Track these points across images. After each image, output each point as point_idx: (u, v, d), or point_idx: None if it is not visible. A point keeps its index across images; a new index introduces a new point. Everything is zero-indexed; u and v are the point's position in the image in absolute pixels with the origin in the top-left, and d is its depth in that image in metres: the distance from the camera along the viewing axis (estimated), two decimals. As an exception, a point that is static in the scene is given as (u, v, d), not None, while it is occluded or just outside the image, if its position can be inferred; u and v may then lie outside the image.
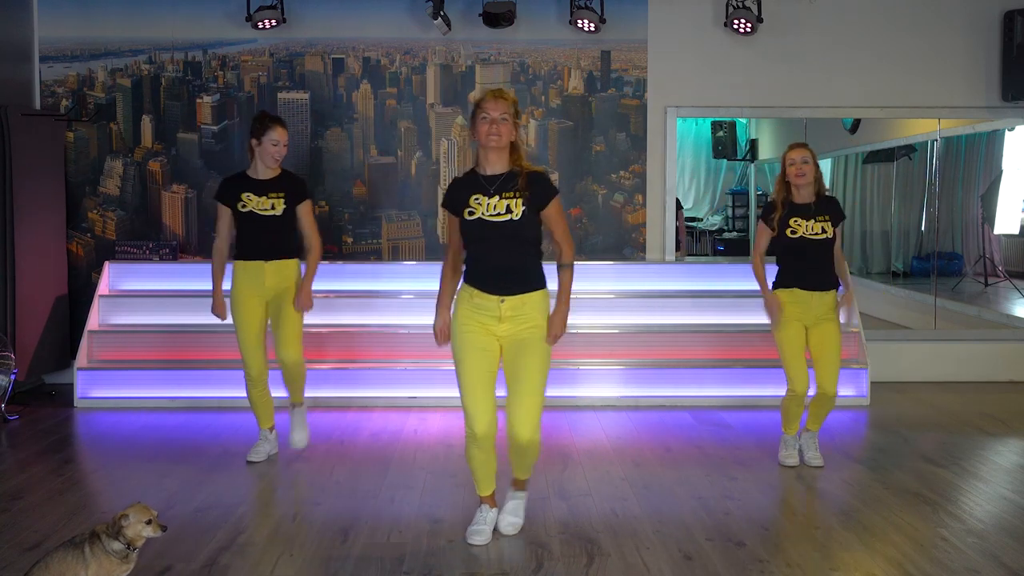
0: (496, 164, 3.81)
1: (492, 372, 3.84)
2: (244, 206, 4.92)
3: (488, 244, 3.78)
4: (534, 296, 3.82)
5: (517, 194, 3.76)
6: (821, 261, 4.93)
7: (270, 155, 4.92)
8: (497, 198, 3.76)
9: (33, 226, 6.64)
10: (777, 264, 5.05)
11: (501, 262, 3.79)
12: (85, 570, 3.13)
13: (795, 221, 4.89)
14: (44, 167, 6.83)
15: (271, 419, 5.17)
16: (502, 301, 3.77)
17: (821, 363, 4.94)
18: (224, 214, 5.00)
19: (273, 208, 4.93)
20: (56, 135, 7.02)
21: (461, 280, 3.92)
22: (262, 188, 4.94)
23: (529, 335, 3.79)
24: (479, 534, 3.89)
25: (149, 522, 3.19)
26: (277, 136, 4.91)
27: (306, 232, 5.07)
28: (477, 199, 3.78)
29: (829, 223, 4.89)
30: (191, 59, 7.26)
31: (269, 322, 5.09)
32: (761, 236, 5.09)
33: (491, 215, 3.75)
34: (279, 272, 4.98)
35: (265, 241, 4.97)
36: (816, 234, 4.86)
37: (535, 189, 3.79)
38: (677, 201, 7.61)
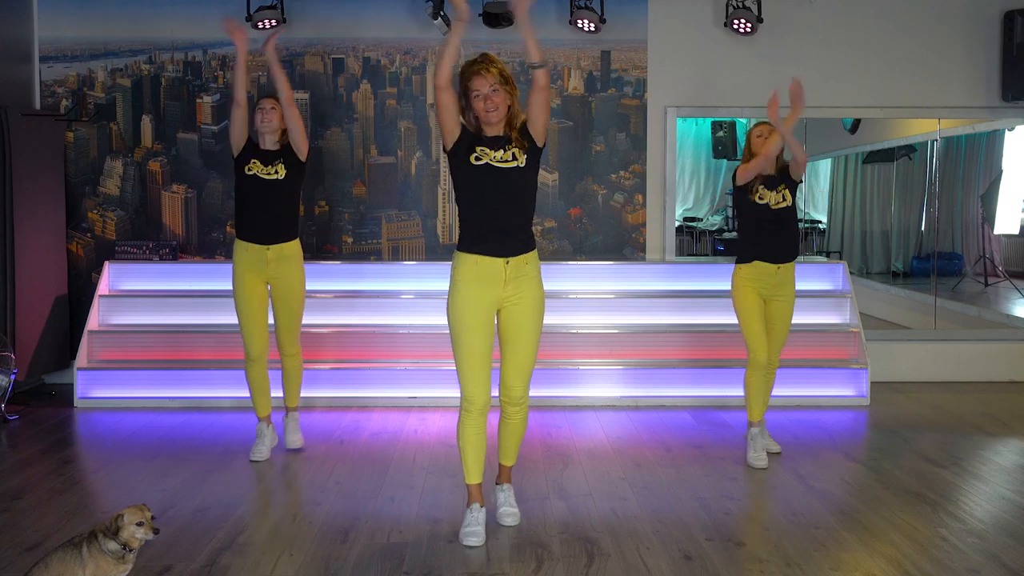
0: (495, 129, 3.95)
1: (491, 346, 3.95)
2: (250, 169, 5.07)
3: (494, 193, 3.88)
4: (531, 256, 3.98)
5: (516, 145, 3.91)
6: (783, 228, 5.20)
7: (258, 122, 5.11)
8: (501, 151, 3.90)
9: (33, 226, 6.64)
10: (739, 238, 5.35)
11: (506, 217, 3.90)
12: (83, 570, 3.13)
13: (761, 188, 5.18)
14: (44, 167, 6.83)
15: (268, 406, 5.18)
16: (507, 263, 3.89)
17: (769, 336, 5.23)
18: (245, 127, 5.14)
19: (277, 173, 5.08)
20: (56, 135, 7.02)
21: (456, 251, 4.00)
22: (267, 158, 5.11)
23: (528, 297, 3.94)
24: (474, 535, 3.89)
25: (141, 524, 3.16)
26: (262, 103, 5.14)
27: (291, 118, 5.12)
28: (482, 150, 3.90)
29: (788, 191, 5.21)
30: (191, 59, 7.26)
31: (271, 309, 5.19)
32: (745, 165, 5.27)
33: (499, 162, 3.88)
34: (280, 256, 5.08)
35: (267, 212, 5.07)
36: (779, 202, 5.18)
37: (525, 132, 3.95)
38: None
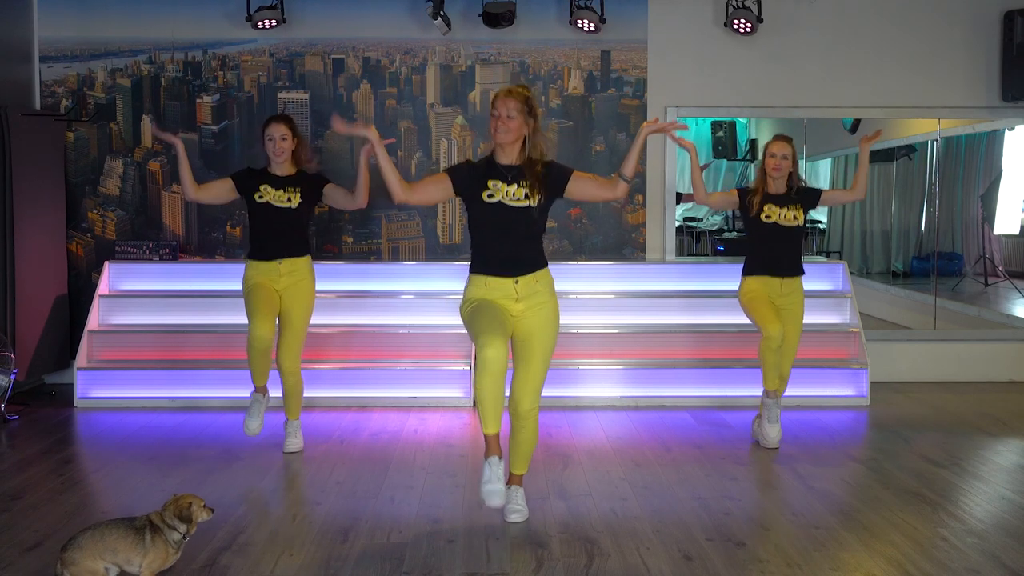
0: (510, 156, 4.03)
1: (505, 327, 3.92)
2: (261, 197, 5.04)
3: (503, 229, 3.98)
4: (543, 273, 4.06)
5: (534, 183, 3.97)
6: (791, 247, 5.33)
7: (270, 151, 5.07)
8: (516, 186, 3.98)
9: (33, 226, 6.64)
10: (748, 251, 5.44)
11: (514, 250, 4.00)
12: (141, 557, 3.18)
13: (769, 207, 5.27)
14: (44, 167, 6.83)
15: (266, 377, 5.15)
16: (516, 282, 3.97)
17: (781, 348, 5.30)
18: (223, 182, 5.13)
19: (289, 201, 5.06)
20: (56, 135, 7.02)
21: (468, 273, 4.08)
22: (279, 183, 5.08)
23: (541, 312, 4.01)
24: (494, 494, 3.88)
25: (204, 506, 3.37)
26: (271, 131, 5.05)
27: (348, 195, 5.13)
28: (496, 184, 3.98)
29: (801, 211, 5.28)
30: (191, 59, 7.26)
31: (278, 323, 5.16)
32: (721, 192, 5.59)
33: (512, 200, 3.96)
34: (292, 269, 5.10)
35: (279, 237, 5.08)
36: (788, 221, 5.27)
37: (551, 175, 4.02)
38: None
